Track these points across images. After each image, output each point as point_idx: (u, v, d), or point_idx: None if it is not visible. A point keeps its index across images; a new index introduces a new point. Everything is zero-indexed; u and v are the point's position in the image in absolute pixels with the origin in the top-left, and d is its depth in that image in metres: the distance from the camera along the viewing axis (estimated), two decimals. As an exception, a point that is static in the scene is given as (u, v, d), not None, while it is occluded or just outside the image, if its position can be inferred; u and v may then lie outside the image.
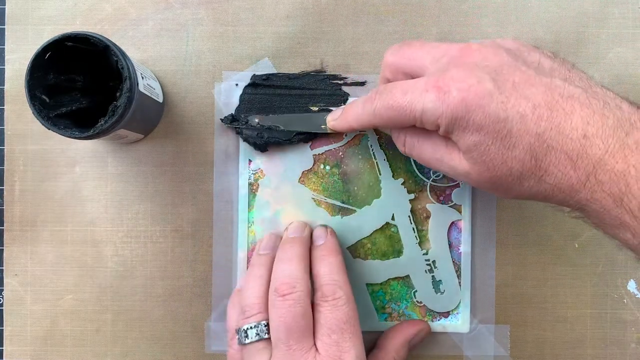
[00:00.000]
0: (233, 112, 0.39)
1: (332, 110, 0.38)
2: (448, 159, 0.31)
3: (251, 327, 0.33)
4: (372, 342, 0.39)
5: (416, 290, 0.40)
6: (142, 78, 0.34)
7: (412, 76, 0.32)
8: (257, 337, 0.33)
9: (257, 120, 0.39)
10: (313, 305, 0.33)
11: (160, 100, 0.39)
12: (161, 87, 0.40)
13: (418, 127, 0.31)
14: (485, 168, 0.29)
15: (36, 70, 0.32)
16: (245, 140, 0.39)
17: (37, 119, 0.32)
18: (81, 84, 0.35)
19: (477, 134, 0.28)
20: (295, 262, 0.34)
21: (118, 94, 0.32)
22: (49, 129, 0.32)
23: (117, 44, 0.32)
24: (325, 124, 0.38)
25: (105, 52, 0.32)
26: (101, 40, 0.32)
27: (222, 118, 0.39)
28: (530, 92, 0.28)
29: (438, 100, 0.28)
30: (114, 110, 0.32)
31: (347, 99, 0.40)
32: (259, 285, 0.35)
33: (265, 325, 0.33)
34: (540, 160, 0.27)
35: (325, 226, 0.39)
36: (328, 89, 0.40)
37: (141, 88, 0.34)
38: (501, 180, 0.29)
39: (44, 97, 0.33)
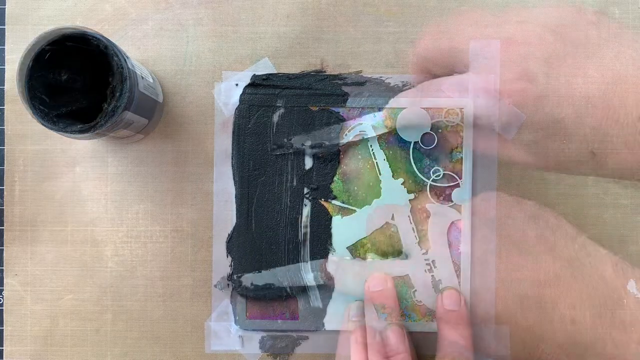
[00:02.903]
0: (226, 275, 0.39)
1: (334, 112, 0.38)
2: (501, 149, 0.30)
3: None
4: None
5: (416, 290, 0.40)
6: (142, 78, 0.34)
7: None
8: None
9: (250, 280, 0.39)
10: None
11: (160, 100, 0.39)
12: (161, 87, 0.40)
13: None
14: (543, 159, 0.29)
15: (36, 70, 0.32)
16: (243, 297, 0.39)
17: (37, 119, 0.32)
18: (81, 84, 0.35)
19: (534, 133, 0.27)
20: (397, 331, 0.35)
21: (118, 94, 0.32)
22: (49, 129, 0.32)
23: (117, 43, 0.32)
24: (317, 273, 0.38)
25: (105, 52, 0.32)
26: (101, 40, 0.32)
27: (216, 284, 0.39)
28: None
29: (492, 107, 0.27)
30: (114, 110, 0.32)
31: (347, 99, 0.40)
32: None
33: None
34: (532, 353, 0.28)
35: (457, 290, 0.38)
36: (328, 89, 0.40)
37: (141, 88, 0.34)
38: None
39: (44, 97, 0.33)
